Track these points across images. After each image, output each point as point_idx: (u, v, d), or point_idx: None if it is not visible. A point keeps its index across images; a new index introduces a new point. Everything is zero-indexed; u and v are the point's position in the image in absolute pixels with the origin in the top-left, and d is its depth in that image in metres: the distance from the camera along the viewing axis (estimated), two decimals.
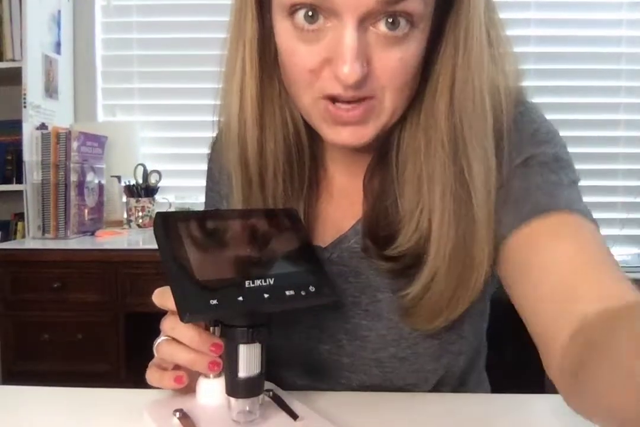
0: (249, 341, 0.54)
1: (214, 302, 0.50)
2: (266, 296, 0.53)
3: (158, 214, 0.56)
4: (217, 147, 0.84)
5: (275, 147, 0.69)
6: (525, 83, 0.70)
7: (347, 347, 0.74)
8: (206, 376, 0.59)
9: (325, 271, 0.59)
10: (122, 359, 2.04)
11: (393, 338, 0.72)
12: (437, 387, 0.75)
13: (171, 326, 0.58)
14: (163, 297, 0.58)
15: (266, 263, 0.57)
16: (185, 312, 0.50)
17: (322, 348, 0.75)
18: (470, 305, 0.67)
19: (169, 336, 0.59)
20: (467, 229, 0.63)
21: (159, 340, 0.60)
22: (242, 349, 0.54)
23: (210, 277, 0.52)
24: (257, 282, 0.54)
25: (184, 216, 0.56)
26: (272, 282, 0.54)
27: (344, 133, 0.61)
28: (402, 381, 0.73)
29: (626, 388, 0.39)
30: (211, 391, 0.59)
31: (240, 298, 0.51)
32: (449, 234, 0.63)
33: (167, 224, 0.55)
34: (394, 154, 0.68)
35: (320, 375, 0.77)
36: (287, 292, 0.54)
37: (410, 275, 0.67)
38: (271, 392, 0.62)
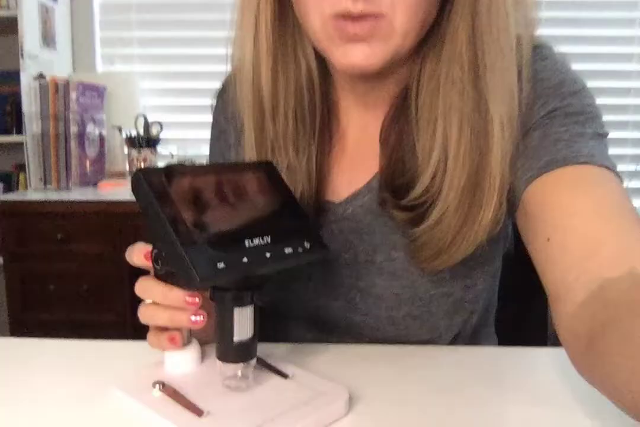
0: (243, 303, 0.52)
1: (222, 265, 0.47)
2: (268, 254, 0.50)
3: (138, 170, 0.50)
4: (225, 95, 0.82)
5: (287, 84, 0.68)
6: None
7: (361, 304, 0.73)
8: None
9: (313, 226, 0.57)
10: (128, 309, 2.07)
11: (407, 297, 0.71)
12: (450, 344, 0.76)
13: (142, 288, 0.57)
14: (130, 253, 0.57)
15: (259, 220, 0.53)
16: (194, 279, 0.46)
17: (334, 305, 0.75)
18: (476, 251, 0.65)
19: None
20: (480, 162, 0.61)
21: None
22: (236, 313, 0.52)
23: (212, 238, 0.48)
24: (256, 241, 0.50)
25: (166, 171, 0.51)
26: (269, 240, 0.51)
27: (352, 53, 0.59)
28: (416, 338, 0.73)
29: (634, 371, 0.38)
30: (179, 359, 0.58)
31: (245, 259, 0.48)
32: (464, 165, 0.61)
33: (152, 181, 0.49)
34: (413, 97, 0.66)
35: (331, 330, 0.77)
36: (286, 250, 0.51)
37: (419, 221, 0.65)
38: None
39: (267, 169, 0.58)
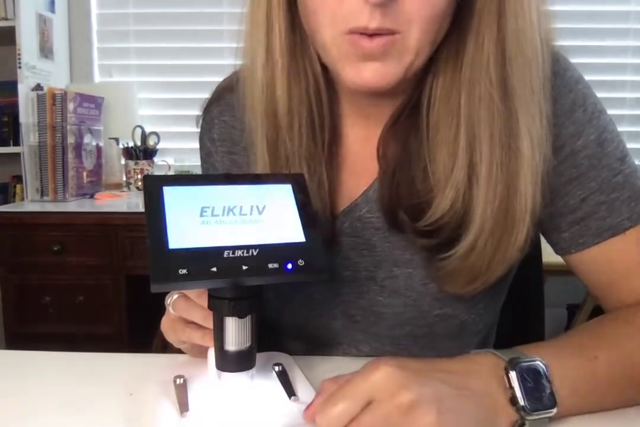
0: (234, 313, 0.52)
1: (183, 271, 0.48)
2: (245, 267, 0.50)
3: (144, 177, 0.53)
4: (207, 117, 0.80)
5: (300, 99, 0.65)
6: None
7: (362, 323, 0.72)
8: None
9: (322, 245, 0.55)
10: (124, 321, 2.05)
11: (410, 316, 0.70)
12: None
13: (182, 307, 0.59)
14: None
15: (254, 232, 0.52)
16: (152, 281, 0.47)
17: (334, 324, 0.74)
18: (507, 270, 0.65)
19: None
20: (511, 182, 0.60)
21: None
22: (228, 322, 0.53)
23: (185, 245, 0.49)
24: (238, 253, 0.50)
25: (172, 179, 0.53)
26: (255, 253, 0.51)
27: (366, 71, 0.57)
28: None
29: None
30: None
31: (214, 269, 0.49)
32: (497, 186, 0.59)
33: (151, 188, 0.52)
34: (424, 116, 0.64)
35: (329, 349, 0.76)
36: (270, 265, 0.50)
37: (446, 249, 0.63)
38: (280, 367, 0.60)
39: (295, 182, 0.58)
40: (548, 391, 0.51)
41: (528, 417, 0.50)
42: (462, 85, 0.60)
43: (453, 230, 0.62)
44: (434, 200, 0.62)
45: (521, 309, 0.96)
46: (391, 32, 0.55)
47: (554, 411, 0.51)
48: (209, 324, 0.56)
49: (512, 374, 0.51)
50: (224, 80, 0.80)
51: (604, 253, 0.66)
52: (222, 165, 0.79)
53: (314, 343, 0.76)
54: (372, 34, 0.55)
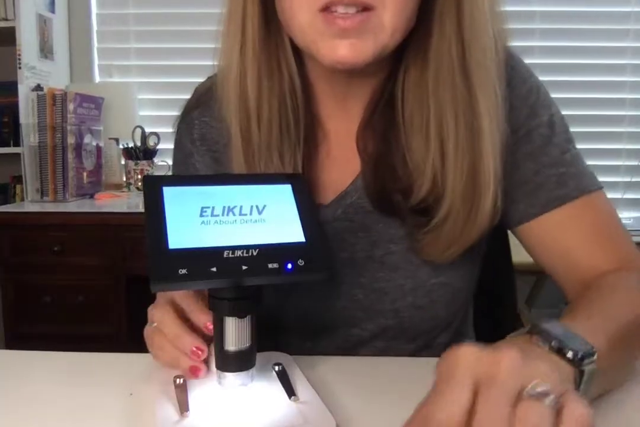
0: (238, 313, 0.52)
1: (183, 271, 0.48)
2: (244, 267, 0.50)
3: (144, 177, 0.54)
4: (188, 118, 0.83)
5: (271, 91, 0.69)
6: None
7: (363, 301, 0.74)
8: None
9: (322, 244, 0.55)
10: (124, 322, 2.05)
11: (411, 287, 0.73)
12: (439, 338, 0.79)
13: (160, 318, 0.59)
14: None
15: (253, 233, 0.53)
16: (152, 281, 0.48)
17: (337, 305, 0.75)
18: (478, 238, 0.69)
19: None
20: (475, 154, 0.65)
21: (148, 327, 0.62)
22: (228, 322, 0.53)
23: (184, 245, 0.50)
24: (238, 253, 0.51)
25: (172, 179, 0.54)
26: (255, 253, 0.51)
27: (341, 47, 0.59)
28: (416, 329, 0.76)
29: None
30: None
31: (214, 269, 0.49)
32: (464, 160, 0.65)
33: (151, 188, 0.52)
34: (399, 108, 0.68)
35: (330, 332, 0.77)
36: (270, 265, 0.51)
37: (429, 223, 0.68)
38: (280, 366, 0.60)
39: (295, 182, 0.58)
40: (581, 337, 0.47)
41: (583, 366, 0.45)
42: (429, 73, 0.65)
43: (433, 202, 0.67)
44: (416, 183, 0.67)
45: (496, 310, 0.98)
46: (365, 8, 0.58)
47: (595, 353, 0.45)
48: (181, 344, 0.57)
49: (544, 327, 0.47)
50: (202, 83, 0.84)
51: (554, 222, 0.70)
52: (203, 164, 0.81)
53: (316, 328, 0.78)
54: (348, 15, 0.58)
